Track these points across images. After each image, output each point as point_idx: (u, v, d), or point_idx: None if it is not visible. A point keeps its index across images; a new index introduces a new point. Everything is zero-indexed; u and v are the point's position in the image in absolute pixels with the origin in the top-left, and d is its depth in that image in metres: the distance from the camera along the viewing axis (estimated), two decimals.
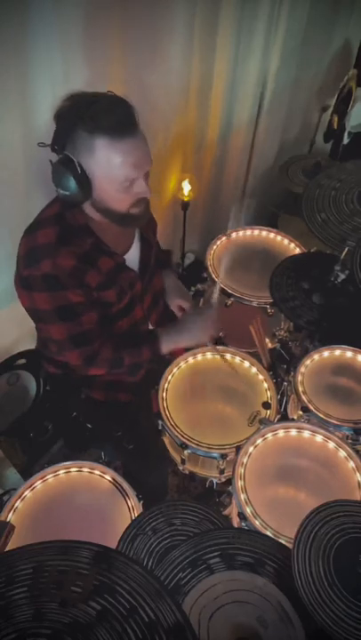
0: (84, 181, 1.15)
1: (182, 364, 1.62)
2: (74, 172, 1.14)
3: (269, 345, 1.93)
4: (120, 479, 1.34)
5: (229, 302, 1.87)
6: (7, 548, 1.10)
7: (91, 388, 1.56)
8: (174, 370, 1.61)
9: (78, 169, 1.14)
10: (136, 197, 1.21)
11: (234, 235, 2.06)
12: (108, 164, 1.14)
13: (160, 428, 1.55)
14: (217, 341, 1.69)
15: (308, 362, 1.63)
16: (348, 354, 1.65)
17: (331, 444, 1.38)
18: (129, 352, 1.40)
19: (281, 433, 1.41)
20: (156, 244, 1.54)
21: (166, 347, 1.44)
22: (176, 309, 1.66)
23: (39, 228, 1.25)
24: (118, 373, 1.47)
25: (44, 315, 1.27)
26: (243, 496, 1.27)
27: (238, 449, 1.36)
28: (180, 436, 1.46)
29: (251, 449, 1.36)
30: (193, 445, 1.45)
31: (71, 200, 1.18)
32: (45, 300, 1.23)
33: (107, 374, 1.46)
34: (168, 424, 1.49)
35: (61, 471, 1.36)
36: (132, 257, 1.39)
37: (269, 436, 1.40)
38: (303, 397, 1.54)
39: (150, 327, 1.56)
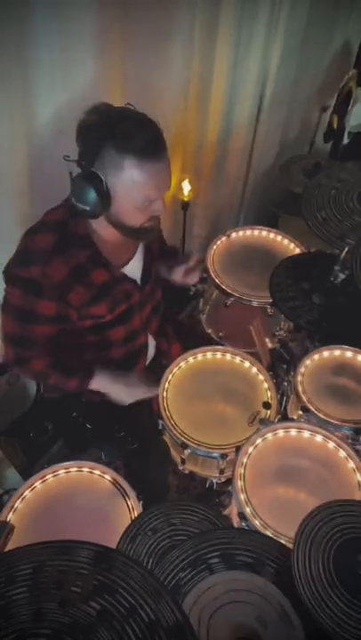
0: (106, 198, 1.17)
1: (182, 364, 1.62)
2: (98, 189, 1.15)
3: (269, 345, 1.93)
4: (120, 479, 1.34)
5: (229, 302, 1.87)
6: (7, 548, 1.10)
7: (89, 391, 1.56)
8: (175, 369, 1.60)
9: (105, 187, 1.15)
10: (151, 215, 1.23)
11: (234, 235, 2.06)
12: (132, 183, 1.15)
13: (160, 427, 1.55)
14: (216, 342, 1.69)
15: (308, 362, 1.63)
16: (348, 354, 1.65)
17: (331, 444, 1.38)
18: (58, 375, 1.42)
19: (281, 433, 1.41)
20: (158, 250, 1.55)
21: (95, 385, 1.46)
22: (181, 277, 1.60)
23: (39, 231, 1.25)
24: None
25: (6, 306, 1.30)
26: (243, 496, 1.27)
27: (238, 449, 1.36)
28: (180, 436, 1.46)
29: (251, 449, 1.36)
30: (193, 445, 1.45)
31: (86, 214, 1.19)
32: (17, 297, 1.26)
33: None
34: (168, 423, 1.49)
35: (61, 471, 1.36)
36: (134, 268, 1.40)
37: (269, 436, 1.40)
38: (303, 397, 1.54)
39: (149, 337, 1.56)
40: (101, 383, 1.46)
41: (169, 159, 1.19)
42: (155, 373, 1.53)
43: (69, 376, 1.43)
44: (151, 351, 1.62)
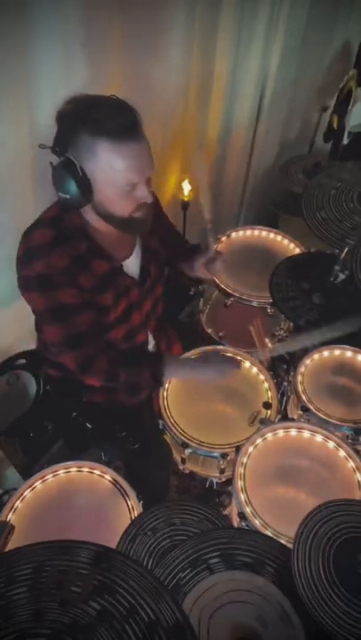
0: (86, 185, 1.15)
1: None
2: (75, 176, 1.13)
3: (269, 345, 1.93)
4: (120, 479, 1.34)
5: (229, 302, 1.87)
6: (7, 548, 1.10)
7: (90, 392, 1.56)
8: None
9: (80, 172, 1.13)
10: (137, 202, 1.20)
11: (234, 235, 2.06)
12: (109, 167, 1.13)
13: (161, 427, 1.55)
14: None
15: (308, 362, 1.63)
16: (348, 354, 1.65)
17: (331, 444, 1.38)
18: (126, 369, 1.36)
19: (281, 433, 1.41)
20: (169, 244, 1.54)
21: (172, 373, 1.43)
22: (203, 269, 1.52)
23: (36, 229, 1.25)
24: (117, 390, 1.48)
25: (39, 315, 1.28)
26: (243, 496, 1.27)
27: (238, 449, 1.36)
28: (180, 436, 1.46)
29: (251, 449, 1.36)
30: (194, 445, 1.45)
31: (71, 204, 1.18)
32: (40, 301, 1.24)
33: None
34: (169, 423, 1.49)
35: (61, 471, 1.36)
36: (132, 265, 1.39)
37: (269, 435, 1.40)
38: (303, 397, 1.54)
39: (149, 334, 1.55)
40: (181, 370, 1.47)
41: (147, 141, 1.16)
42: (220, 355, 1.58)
43: (138, 367, 1.38)
44: (151, 350, 1.62)
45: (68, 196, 1.16)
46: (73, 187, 1.14)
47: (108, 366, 1.34)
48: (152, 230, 1.35)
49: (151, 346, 1.60)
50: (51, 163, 1.17)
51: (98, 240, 1.28)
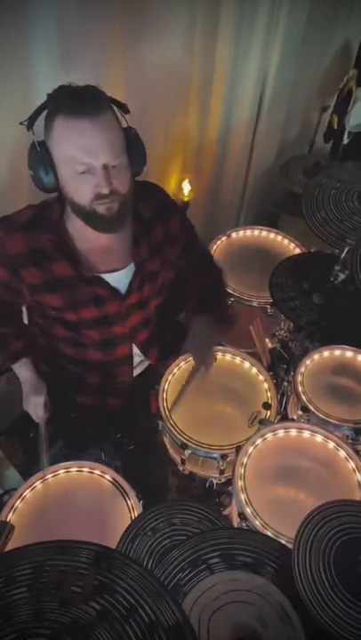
0: (46, 163, 1.14)
1: (182, 365, 1.62)
2: (36, 152, 1.13)
3: (269, 345, 1.93)
4: (120, 479, 1.34)
5: (229, 302, 1.87)
6: (7, 548, 1.10)
7: (79, 393, 1.55)
8: (174, 370, 1.60)
9: (37, 147, 1.13)
10: (94, 191, 1.15)
11: (234, 235, 2.06)
12: (61, 142, 1.12)
13: (160, 428, 1.55)
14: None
15: (308, 362, 1.63)
16: (348, 354, 1.65)
17: (331, 444, 1.38)
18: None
19: (281, 433, 1.41)
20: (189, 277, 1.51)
21: (17, 369, 1.51)
22: (196, 361, 1.49)
23: (26, 207, 1.27)
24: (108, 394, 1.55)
25: None
26: (243, 496, 1.27)
27: (238, 449, 1.36)
28: (180, 437, 1.46)
29: (251, 449, 1.36)
30: (193, 446, 1.44)
31: (40, 184, 1.17)
32: None
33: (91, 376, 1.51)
34: (168, 424, 1.49)
35: (61, 471, 1.36)
36: (119, 278, 1.34)
37: (269, 436, 1.40)
38: (303, 397, 1.54)
39: (135, 348, 1.49)
40: (21, 372, 1.50)
41: (112, 125, 1.12)
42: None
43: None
44: (145, 362, 1.58)
45: (32, 172, 1.16)
46: (34, 162, 1.14)
47: None
48: (156, 251, 1.34)
49: (137, 360, 1.54)
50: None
51: (72, 243, 1.25)
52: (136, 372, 1.57)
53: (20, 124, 1.13)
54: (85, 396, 1.55)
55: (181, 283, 1.55)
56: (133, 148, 1.18)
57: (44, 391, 1.48)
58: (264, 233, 2.08)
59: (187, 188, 2.27)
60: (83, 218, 1.20)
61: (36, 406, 1.46)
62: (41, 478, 1.34)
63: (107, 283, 1.31)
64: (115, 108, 1.15)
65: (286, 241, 2.04)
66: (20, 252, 1.22)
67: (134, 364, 1.54)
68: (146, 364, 1.60)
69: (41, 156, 1.13)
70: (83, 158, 1.11)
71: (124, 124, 1.17)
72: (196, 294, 1.54)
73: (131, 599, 0.77)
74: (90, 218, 1.19)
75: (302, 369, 1.61)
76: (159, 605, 0.76)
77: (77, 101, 1.09)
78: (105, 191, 1.14)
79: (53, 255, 1.25)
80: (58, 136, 1.11)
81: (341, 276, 1.62)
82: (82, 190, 1.15)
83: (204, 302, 1.51)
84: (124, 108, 1.17)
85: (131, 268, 1.34)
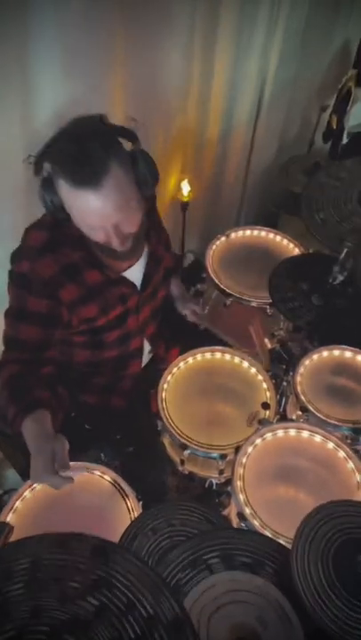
0: (58, 208, 1.14)
1: (182, 365, 1.62)
2: (47, 197, 1.13)
3: (269, 345, 1.93)
4: (120, 480, 1.34)
5: (229, 302, 1.88)
6: None
7: (83, 392, 1.57)
8: (174, 370, 1.61)
9: (53, 198, 1.12)
10: (106, 241, 1.17)
11: (233, 235, 2.06)
12: (69, 205, 1.13)
13: (159, 428, 1.55)
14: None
15: (307, 362, 1.63)
16: (348, 354, 1.66)
17: (330, 445, 1.38)
18: (7, 393, 1.22)
19: (280, 433, 1.41)
20: (168, 256, 1.54)
21: (25, 432, 1.15)
22: (190, 314, 1.72)
23: (34, 229, 1.26)
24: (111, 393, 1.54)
25: (7, 309, 1.29)
26: (242, 496, 1.28)
27: (238, 449, 1.36)
28: (179, 437, 1.46)
29: (250, 449, 1.36)
30: (192, 446, 1.45)
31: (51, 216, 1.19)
32: (12, 296, 1.26)
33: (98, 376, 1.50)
34: (168, 424, 1.49)
35: None
36: (135, 271, 1.38)
37: (268, 436, 1.40)
38: (302, 397, 1.55)
39: (145, 340, 1.55)
40: (27, 432, 1.15)
41: (115, 184, 1.08)
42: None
43: (14, 399, 1.21)
44: (146, 355, 1.62)
45: (45, 210, 1.17)
46: (48, 204, 1.15)
47: (5, 379, 1.25)
48: (159, 237, 1.35)
49: (147, 351, 1.60)
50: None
51: (94, 250, 1.27)
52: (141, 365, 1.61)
53: (28, 158, 1.12)
54: (90, 395, 1.56)
55: None
56: (141, 171, 1.15)
57: (61, 437, 1.14)
58: (264, 233, 2.08)
59: (186, 188, 2.27)
60: (94, 246, 1.23)
61: (53, 454, 1.08)
62: None
63: (128, 279, 1.36)
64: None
65: (286, 241, 2.04)
66: (54, 273, 1.23)
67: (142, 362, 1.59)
68: (148, 358, 1.62)
69: (52, 203, 1.13)
70: (92, 223, 1.13)
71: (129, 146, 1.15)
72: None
73: (129, 594, 0.77)
74: (105, 250, 1.22)
75: (301, 369, 1.62)
76: (158, 601, 0.76)
77: (77, 171, 1.05)
78: (117, 248, 1.18)
79: (83, 266, 1.27)
80: (65, 197, 1.11)
81: (340, 278, 1.62)
82: (95, 235, 1.18)
83: (174, 269, 1.69)
84: (132, 137, 1.14)
85: (144, 257, 1.39)
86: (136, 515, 1.27)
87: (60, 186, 1.10)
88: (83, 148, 1.06)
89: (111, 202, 1.09)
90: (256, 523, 1.23)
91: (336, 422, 1.49)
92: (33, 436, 1.12)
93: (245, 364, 1.64)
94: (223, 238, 2.05)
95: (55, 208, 1.15)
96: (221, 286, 1.88)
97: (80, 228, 1.18)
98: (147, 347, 1.58)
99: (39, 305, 1.24)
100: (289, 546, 1.04)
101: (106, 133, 1.11)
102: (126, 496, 1.31)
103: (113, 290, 1.34)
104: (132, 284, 1.38)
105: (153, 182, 1.18)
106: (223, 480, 1.54)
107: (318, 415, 1.51)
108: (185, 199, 2.29)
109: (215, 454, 1.44)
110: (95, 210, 1.09)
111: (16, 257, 1.24)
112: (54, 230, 1.24)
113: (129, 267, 1.36)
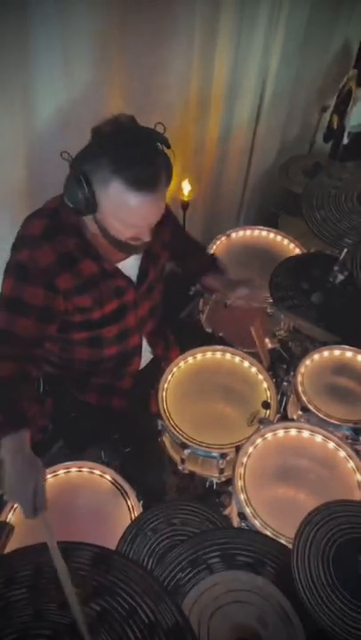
0: (91, 204, 1.16)
1: (182, 364, 1.62)
2: (83, 193, 1.15)
3: (269, 345, 1.93)
4: (120, 479, 1.34)
5: (229, 302, 1.87)
6: (7, 549, 1.10)
7: (84, 392, 1.56)
8: (174, 370, 1.61)
9: (90, 192, 1.14)
10: (134, 235, 1.22)
11: (234, 235, 2.06)
12: (116, 206, 1.15)
13: (160, 428, 1.55)
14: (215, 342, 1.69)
15: (307, 362, 1.63)
16: (348, 354, 1.65)
17: (331, 444, 1.38)
18: None
19: (281, 433, 1.41)
20: (166, 254, 1.54)
21: (5, 442, 1.12)
22: (243, 299, 1.63)
23: (34, 218, 1.27)
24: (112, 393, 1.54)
25: (1, 297, 1.27)
26: (243, 496, 1.27)
27: (238, 449, 1.36)
28: (180, 436, 1.46)
29: (251, 449, 1.36)
30: (193, 445, 1.45)
31: (73, 209, 1.20)
32: (7, 286, 1.25)
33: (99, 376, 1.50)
34: (168, 424, 1.49)
35: (61, 471, 1.36)
36: (130, 266, 1.39)
37: (269, 435, 1.40)
38: (303, 397, 1.54)
39: (143, 338, 1.54)
40: (7, 447, 1.12)
41: (162, 194, 1.17)
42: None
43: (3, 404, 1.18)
44: (147, 354, 1.61)
45: (71, 205, 1.18)
46: (79, 201, 1.16)
47: None
48: (156, 235, 1.35)
49: (146, 351, 1.60)
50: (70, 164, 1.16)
51: (91, 240, 1.28)
52: (141, 365, 1.60)
53: (62, 157, 1.14)
54: (90, 395, 1.56)
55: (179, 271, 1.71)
56: (167, 169, 1.20)
57: (41, 466, 1.14)
58: (264, 233, 2.08)
59: (187, 188, 2.26)
60: (110, 242, 1.25)
61: (36, 489, 1.09)
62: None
63: (123, 273, 1.37)
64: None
65: (286, 241, 2.04)
66: (52, 262, 1.24)
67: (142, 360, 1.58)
68: (148, 358, 1.62)
69: (89, 199, 1.15)
70: (136, 223, 1.18)
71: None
72: (198, 264, 1.71)
73: (131, 600, 0.77)
74: (119, 245, 1.25)
75: (302, 369, 1.62)
76: (159, 607, 0.76)
77: (138, 178, 1.10)
78: (147, 240, 1.23)
79: (79, 256, 1.28)
80: (113, 198, 1.14)
81: (340, 277, 1.62)
82: (122, 232, 1.20)
83: (208, 266, 1.69)
84: (167, 143, 1.19)
85: (137, 254, 1.39)
86: (136, 514, 1.27)
87: (108, 184, 1.12)
88: (144, 152, 1.13)
89: (159, 205, 1.18)
90: (257, 522, 1.23)
91: (337, 422, 1.49)
92: (14, 453, 1.12)
93: (246, 363, 1.64)
94: (224, 238, 2.04)
95: (87, 204, 1.16)
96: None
97: (107, 225, 1.20)
98: (145, 345, 1.58)
99: (35, 296, 1.24)
100: (290, 545, 1.04)
101: (154, 138, 1.17)
102: (127, 496, 1.31)
103: (108, 282, 1.35)
104: (128, 279, 1.39)
105: (170, 181, 1.24)
106: (224, 480, 1.54)
107: (319, 415, 1.50)
108: (185, 199, 2.28)
109: (215, 453, 1.44)
110: (145, 211, 1.16)
111: (15, 246, 1.26)
112: (52, 218, 1.25)
113: (124, 258, 1.37)
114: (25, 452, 1.13)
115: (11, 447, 1.12)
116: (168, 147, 1.20)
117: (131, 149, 1.11)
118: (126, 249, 1.28)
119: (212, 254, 1.77)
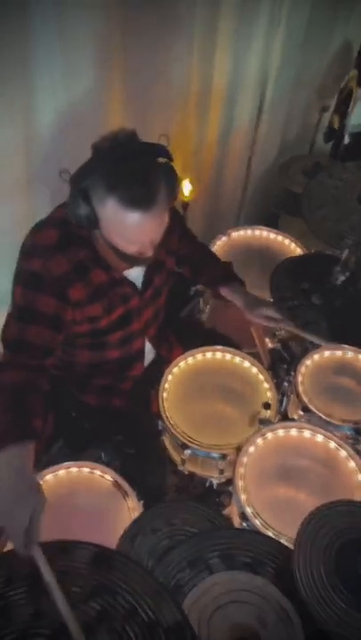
0: (92, 221, 1.16)
1: (182, 364, 1.62)
2: (84, 210, 1.15)
3: (270, 345, 1.93)
4: (120, 479, 1.33)
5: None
6: (7, 548, 1.10)
7: (84, 393, 1.56)
8: (174, 370, 1.60)
9: (90, 209, 1.14)
10: (137, 251, 1.21)
11: (234, 234, 2.06)
12: (114, 223, 1.15)
13: (160, 428, 1.54)
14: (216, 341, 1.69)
15: (308, 362, 1.63)
16: (349, 354, 1.65)
17: (331, 444, 1.38)
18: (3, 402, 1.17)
19: (281, 433, 1.41)
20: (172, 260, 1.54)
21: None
22: (263, 320, 1.58)
23: (44, 227, 1.27)
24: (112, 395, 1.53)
25: (10, 310, 1.27)
26: (243, 496, 1.27)
27: (239, 449, 1.36)
28: (180, 437, 1.46)
29: (251, 449, 1.36)
30: (193, 446, 1.44)
31: (77, 223, 1.20)
32: (18, 295, 1.25)
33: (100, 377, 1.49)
34: (168, 424, 1.49)
35: (61, 471, 1.36)
36: (135, 272, 1.39)
37: (270, 435, 1.40)
38: (304, 397, 1.54)
39: (146, 342, 1.55)
40: (6, 457, 1.06)
41: (160, 212, 1.15)
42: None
43: (7, 412, 1.15)
44: (150, 356, 1.61)
45: (74, 220, 1.18)
46: (81, 218, 1.16)
47: (5, 384, 1.20)
48: (161, 242, 1.35)
49: (150, 354, 1.59)
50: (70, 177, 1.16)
51: (100, 251, 1.28)
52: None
53: (62, 175, 1.14)
54: (91, 395, 1.56)
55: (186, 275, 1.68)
56: (173, 186, 1.20)
57: (41, 490, 1.07)
58: (264, 233, 2.08)
59: (187, 188, 2.27)
60: (116, 255, 1.24)
61: (32, 517, 0.99)
62: (41, 478, 1.34)
63: (129, 280, 1.38)
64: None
65: (286, 241, 2.04)
66: (65, 271, 1.24)
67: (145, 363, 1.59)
68: (150, 359, 1.62)
69: (90, 214, 1.15)
70: (134, 239, 1.17)
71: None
72: (213, 274, 1.68)
73: (131, 599, 0.77)
74: (125, 258, 1.24)
75: (303, 369, 1.61)
76: (159, 606, 0.76)
77: (134, 192, 1.09)
78: (149, 254, 1.22)
79: (90, 266, 1.28)
80: (110, 215, 1.13)
81: (341, 278, 1.62)
82: (126, 247, 1.20)
83: (223, 277, 1.65)
84: (169, 157, 1.18)
85: None
86: (136, 514, 1.27)
87: (105, 203, 1.11)
88: (140, 169, 1.11)
89: (157, 222, 1.17)
90: (258, 522, 1.23)
91: (337, 422, 1.49)
92: (13, 467, 1.05)
93: (246, 363, 1.63)
94: (224, 238, 2.04)
95: (88, 220, 1.16)
96: None
97: (111, 240, 1.20)
98: (148, 348, 1.58)
99: (48, 305, 1.24)
100: (290, 546, 1.04)
101: (152, 153, 1.16)
102: (127, 496, 1.31)
103: (116, 290, 1.36)
104: (133, 285, 1.39)
105: (175, 194, 1.23)
106: (224, 480, 1.54)
107: (320, 415, 1.50)
108: (186, 199, 2.29)
109: (216, 454, 1.44)
110: (143, 228, 1.15)
111: (27, 254, 1.24)
112: (63, 228, 1.25)
113: (130, 266, 1.36)
114: (25, 469, 1.06)
115: (11, 459, 1.05)
116: (170, 159, 1.18)
117: (126, 167, 1.10)
118: (134, 262, 1.28)
119: (229, 262, 1.72)
